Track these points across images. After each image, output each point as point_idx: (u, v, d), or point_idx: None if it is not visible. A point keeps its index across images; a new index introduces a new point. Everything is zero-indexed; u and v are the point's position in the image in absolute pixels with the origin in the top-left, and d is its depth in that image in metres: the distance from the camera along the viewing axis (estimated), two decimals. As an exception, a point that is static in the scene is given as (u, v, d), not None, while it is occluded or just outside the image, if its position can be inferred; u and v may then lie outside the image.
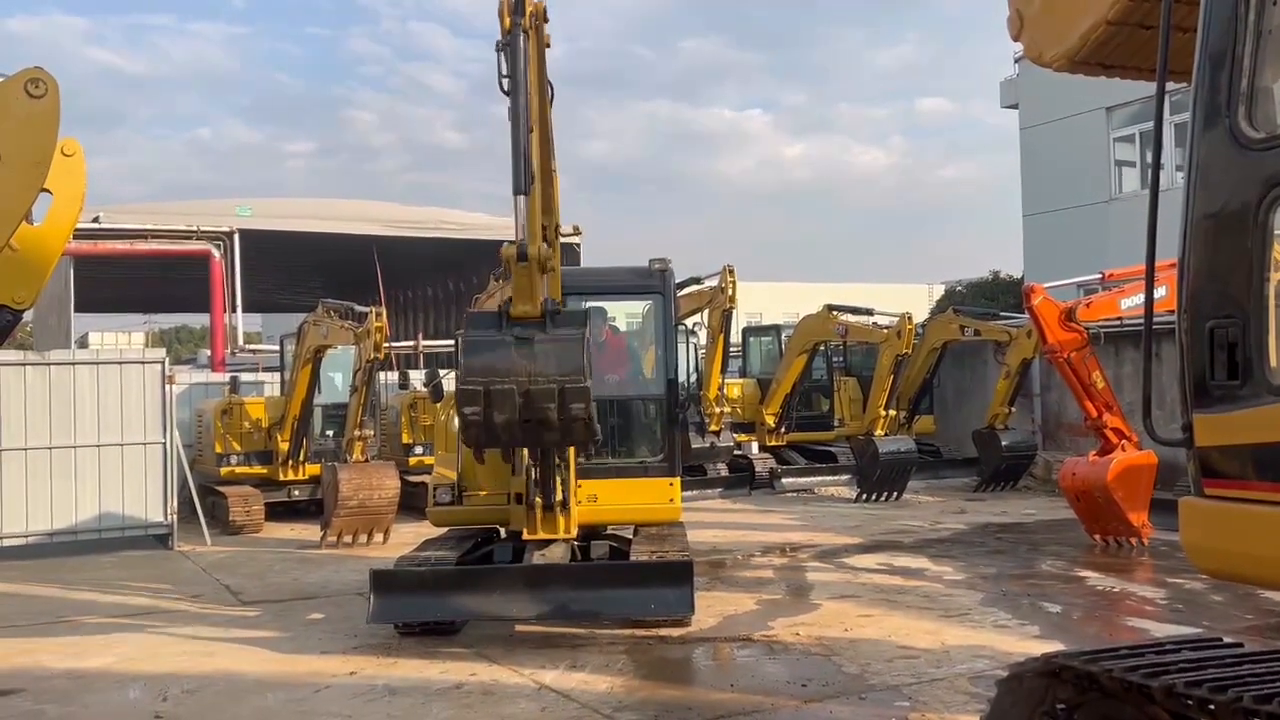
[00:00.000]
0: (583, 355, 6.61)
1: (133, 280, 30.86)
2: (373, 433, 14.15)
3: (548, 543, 8.67)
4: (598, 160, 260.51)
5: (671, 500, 9.23)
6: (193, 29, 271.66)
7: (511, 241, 6.64)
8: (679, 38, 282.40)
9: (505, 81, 6.70)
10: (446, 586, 8.20)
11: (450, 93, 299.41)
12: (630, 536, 9.44)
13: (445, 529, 9.56)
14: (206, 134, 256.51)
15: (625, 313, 10.59)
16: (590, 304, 8.38)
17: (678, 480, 9.33)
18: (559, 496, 8.43)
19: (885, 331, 16.87)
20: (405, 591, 8.19)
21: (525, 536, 8.66)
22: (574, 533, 8.69)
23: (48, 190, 5.98)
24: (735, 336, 19.71)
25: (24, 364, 12.92)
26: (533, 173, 6.65)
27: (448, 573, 8.30)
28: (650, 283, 9.51)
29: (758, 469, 18.18)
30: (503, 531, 9.30)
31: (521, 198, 6.52)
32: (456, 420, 7.19)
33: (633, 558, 8.53)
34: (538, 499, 8.44)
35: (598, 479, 9.05)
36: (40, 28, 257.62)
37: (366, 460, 13.30)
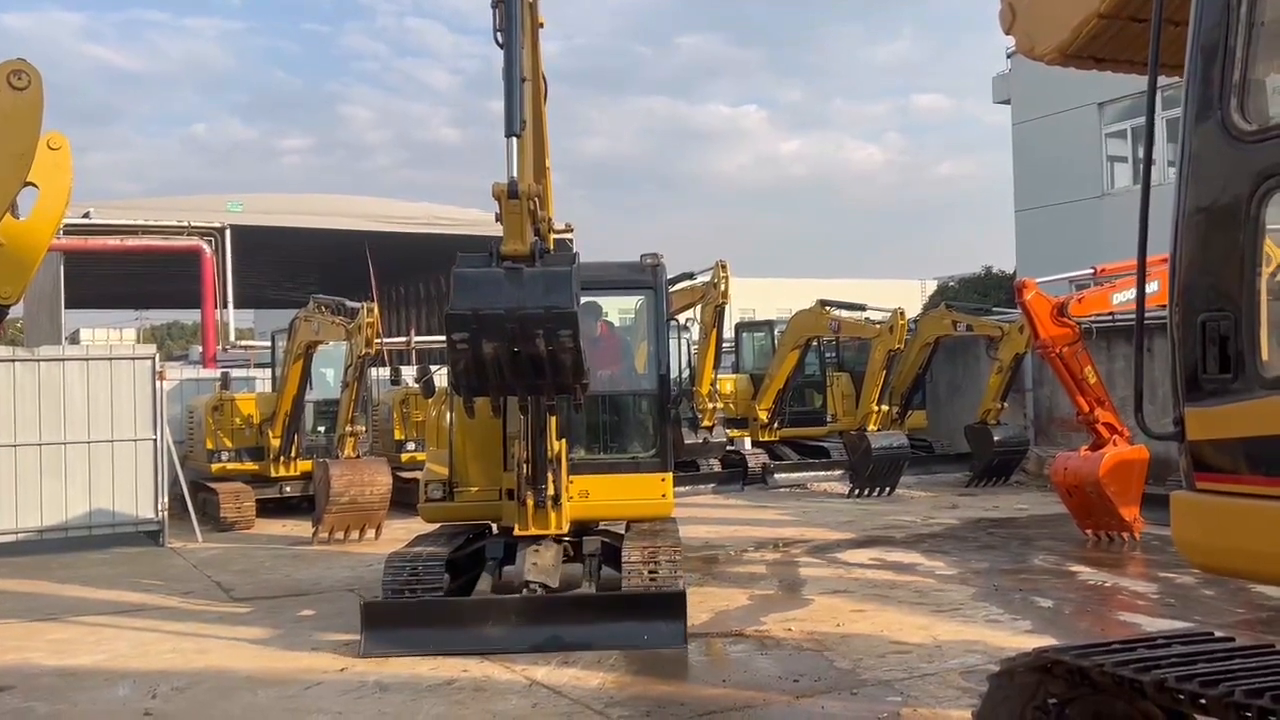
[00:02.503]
0: (571, 286, 6.62)
1: (124, 276, 30.74)
2: (364, 429, 14.11)
3: (539, 538, 8.64)
4: (595, 157, 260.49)
5: (664, 496, 9.21)
6: (188, 25, 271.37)
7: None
8: (676, 34, 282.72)
9: (500, 35, 7.14)
10: (438, 619, 8.08)
11: (446, 89, 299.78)
12: (622, 532, 9.41)
13: (437, 525, 9.53)
14: (202, 130, 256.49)
15: (617, 308, 10.55)
16: (582, 299, 8.35)
17: (670, 476, 9.30)
18: (551, 492, 8.41)
19: (878, 327, 16.86)
20: (396, 625, 8.03)
21: (516, 532, 8.62)
22: (565, 528, 8.67)
23: (34, 184, 5.94)
24: (728, 332, 19.72)
25: (13, 360, 12.86)
26: (523, 118, 6.86)
27: (439, 604, 8.15)
28: (642, 278, 9.48)
29: (750, 464, 18.19)
30: (494, 527, 9.28)
31: (513, 139, 6.70)
32: (448, 367, 7.19)
33: (624, 557, 8.44)
34: (529, 495, 8.42)
35: (589, 474, 9.03)
36: (36, 24, 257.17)
37: (358, 456, 13.26)
